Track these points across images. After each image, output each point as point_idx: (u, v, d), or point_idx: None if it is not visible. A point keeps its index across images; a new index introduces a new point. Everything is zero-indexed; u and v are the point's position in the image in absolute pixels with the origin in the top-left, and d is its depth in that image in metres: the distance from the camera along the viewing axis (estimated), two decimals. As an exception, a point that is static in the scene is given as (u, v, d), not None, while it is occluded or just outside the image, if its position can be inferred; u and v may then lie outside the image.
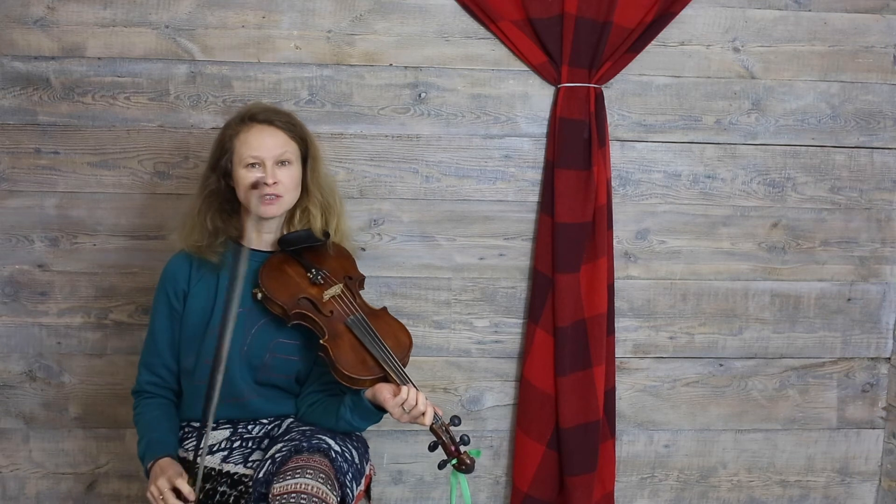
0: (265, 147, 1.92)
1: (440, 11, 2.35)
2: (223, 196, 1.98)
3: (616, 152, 2.43)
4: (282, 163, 1.94)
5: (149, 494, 1.81)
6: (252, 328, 1.95)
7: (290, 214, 2.02)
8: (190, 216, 1.99)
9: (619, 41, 2.34)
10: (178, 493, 1.77)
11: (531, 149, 2.42)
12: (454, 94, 2.38)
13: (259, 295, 1.92)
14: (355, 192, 2.38)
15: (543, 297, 2.40)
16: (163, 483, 1.78)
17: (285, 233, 2.02)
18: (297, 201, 2.00)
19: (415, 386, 1.82)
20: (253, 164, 1.92)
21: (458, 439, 1.82)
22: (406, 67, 2.36)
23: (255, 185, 1.90)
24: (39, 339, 2.40)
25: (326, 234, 2.03)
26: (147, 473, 1.89)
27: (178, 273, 1.98)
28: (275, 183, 1.91)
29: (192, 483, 1.79)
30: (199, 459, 1.80)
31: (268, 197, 1.92)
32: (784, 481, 2.63)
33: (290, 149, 1.96)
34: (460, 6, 2.34)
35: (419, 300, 2.45)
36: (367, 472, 1.99)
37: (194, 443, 1.97)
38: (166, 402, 2.01)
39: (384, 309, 2.04)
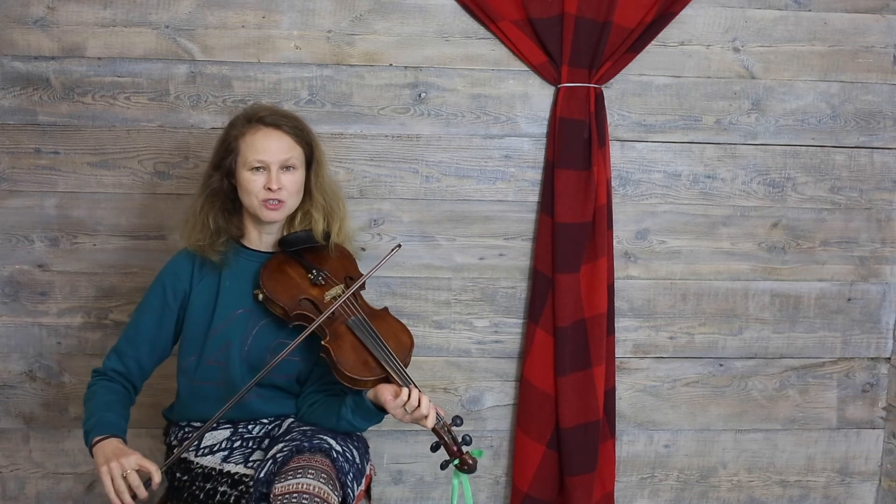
0: (271, 151, 1.92)
1: (440, 11, 2.35)
2: (225, 195, 1.98)
3: (616, 152, 2.43)
4: (286, 168, 1.93)
5: (105, 470, 1.70)
6: (253, 329, 1.95)
7: (291, 216, 2.02)
8: (192, 214, 1.99)
9: (619, 41, 2.34)
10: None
11: (531, 149, 2.42)
12: (454, 94, 2.38)
13: (260, 296, 1.92)
14: (355, 192, 2.38)
15: (543, 297, 2.40)
16: (128, 462, 1.70)
17: (286, 234, 2.02)
18: (300, 204, 2.00)
19: (416, 387, 1.82)
20: (257, 168, 1.92)
21: (460, 440, 1.81)
22: (406, 67, 2.36)
23: (264, 200, 1.91)
24: (39, 339, 2.40)
25: (327, 237, 2.03)
26: (90, 450, 1.79)
27: (181, 271, 1.98)
28: (279, 189, 1.91)
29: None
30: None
31: (271, 202, 1.92)
32: (784, 481, 2.63)
33: (296, 154, 1.95)
34: (460, 6, 2.34)
35: (419, 300, 2.45)
36: (368, 471, 1.99)
37: (195, 443, 1.96)
38: (125, 390, 1.94)
39: (385, 309, 2.04)
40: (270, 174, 1.91)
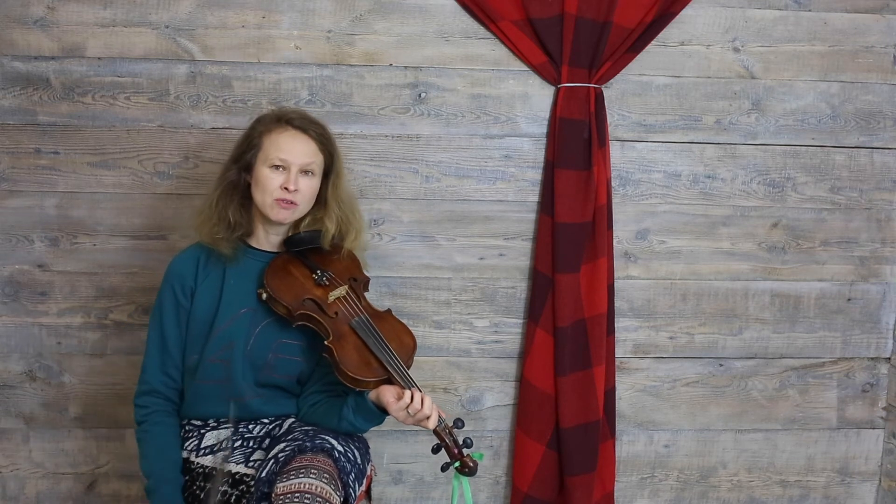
0: (295, 152, 1.92)
1: (440, 11, 2.35)
2: (242, 189, 1.99)
3: (616, 152, 2.43)
4: (305, 172, 1.94)
5: None
6: (256, 328, 1.95)
7: (299, 220, 2.02)
8: (207, 207, 1.99)
9: (619, 41, 2.34)
10: None
11: (531, 149, 2.42)
12: (454, 94, 2.38)
13: (264, 295, 1.92)
14: (355, 192, 2.37)
15: (543, 297, 2.40)
16: None
17: (291, 234, 2.02)
18: (309, 211, 2.01)
19: (419, 388, 1.82)
20: (278, 167, 1.92)
21: (461, 442, 1.81)
22: (406, 67, 2.36)
23: (278, 199, 1.91)
24: (39, 339, 2.39)
25: (333, 244, 2.03)
26: None
27: (185, 271, 1.98)
28: (295, 190, 1.91)
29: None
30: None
31: (284, 202, 1.92)
32: (784, 481, 2.63)
33: (317, 160, 1.96)
34: (460, 6, 2.34)
35: (419, 300, 2.45)
36: (369, 472, 1.99)
37: (195, 442, 1.97)
38: (174, 421, 1.98)
39: (388, 311, 2.04)
40: (290, 174, 1.91)
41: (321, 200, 2.01)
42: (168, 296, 1.97)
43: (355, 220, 2.06)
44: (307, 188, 1.95)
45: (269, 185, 1.92)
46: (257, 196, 1.95)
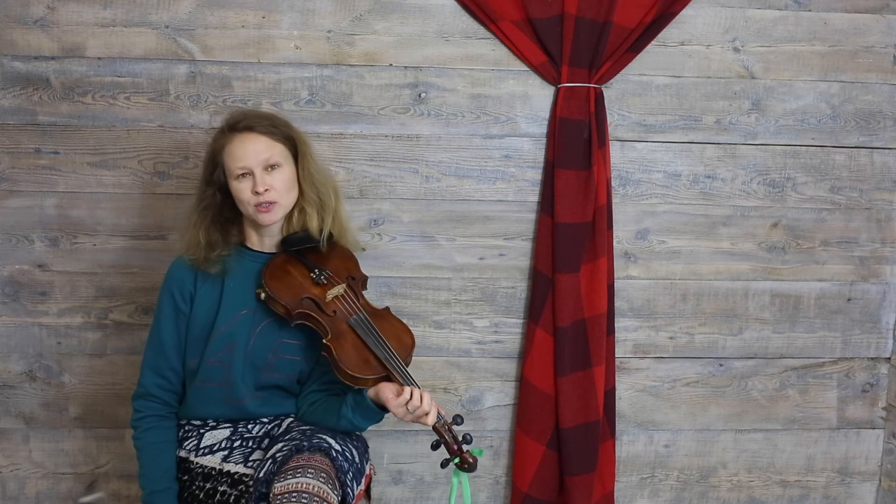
0: (249, 155, 1.91)
1: (440, 11, 2.35)
2: (220, 207, 1.98)
3: (616, 152, 2.43)
4: (271, 167, 1.93)
5: None
6: (256, 328, 1.95)
7: (289, 215, 2.01)
8: (187, 227, 1.99)
9: (619, 41, 2.34)
10: None
11: (531, 149, 2.42)
12: (454, 94, 2.38)
13: (262, 295, 1.92)
14: (355, 192, 2.38)
15: (543, 297, 2.40)
16: None
17: (285, 233, 2.02)
18: (296, 201, 2.00)
19: (417, 385, 1.82)
20: (243, 175, 1.91)
21: (460, 438, 1.82)
22: (406, 67, 2.36)
23: (257, 205, 1.91)
24: (39, 339, 2.40)
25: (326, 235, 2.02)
26: None
27: (185, 275, 1.98)
28: (266, 190, 1.90)
29: None
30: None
31: (263, 206, 1.91)
32: (784, 481, 2.63)
33: (277, 151, 1.94)
34: (460, 6, 2.34)
35: (419, 300, 2.45)
36: (368, 471, 1.99)
37: (195, 442, 1.97)
38: (168, 424, 1.98)
39: (387, 309, 2.05)
40: (255, 177, 1.91)
41: (300, 187, 2.00)
42: (167, 300, 1.97)
43: (330, 200, 2.02)
44: (279, 181, 1.93)
45: (242, 195, 1.92)
46: (240, 208, 1.96)
